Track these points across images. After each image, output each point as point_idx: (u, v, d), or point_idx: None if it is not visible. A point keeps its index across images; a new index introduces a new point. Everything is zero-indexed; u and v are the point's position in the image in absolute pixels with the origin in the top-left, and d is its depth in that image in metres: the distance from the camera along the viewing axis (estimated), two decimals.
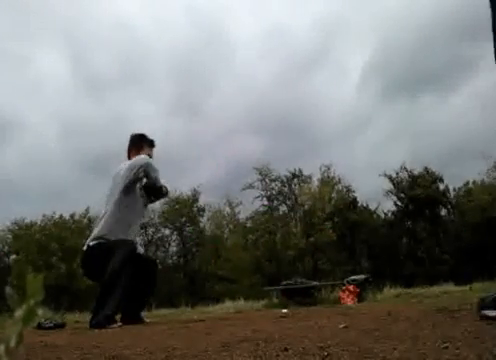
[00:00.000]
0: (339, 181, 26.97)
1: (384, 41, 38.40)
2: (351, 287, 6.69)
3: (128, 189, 3.23)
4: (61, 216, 25.50)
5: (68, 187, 34.31)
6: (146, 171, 3.23)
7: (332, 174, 26.89)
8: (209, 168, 35.20)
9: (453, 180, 27.30)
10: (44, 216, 25.31)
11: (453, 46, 36.11)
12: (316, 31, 40.65)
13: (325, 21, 41.13)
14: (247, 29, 42.87)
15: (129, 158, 3.44)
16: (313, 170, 27.15)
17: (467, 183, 27.27)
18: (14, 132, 37.57)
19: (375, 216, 27.72)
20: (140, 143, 3.48)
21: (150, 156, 3.43)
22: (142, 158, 3.28)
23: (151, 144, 3.52)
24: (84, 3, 44.18)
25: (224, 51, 39.60)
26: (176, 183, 24.55)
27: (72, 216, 25.72)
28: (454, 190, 27.53)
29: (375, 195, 28.43)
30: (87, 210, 26.29)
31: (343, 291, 6.69)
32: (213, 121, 36.44)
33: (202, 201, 29.17)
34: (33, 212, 25.79)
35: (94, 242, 3.16)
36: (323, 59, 41.03)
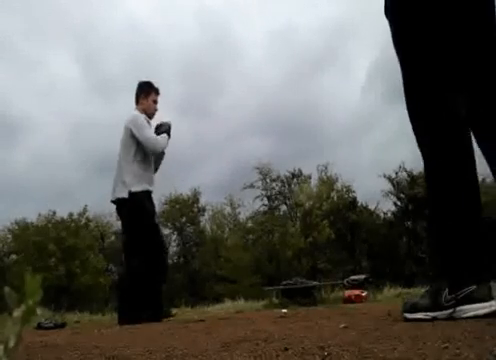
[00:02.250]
0: (337, 180, 26.98)
1: (390, 43, 38.38)
2: (358, 291, 6.69)
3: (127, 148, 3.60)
4: (54, 213, 25.35)
5: (76, 188, 34.51)
6: (132, 132, 3.56)
7: (329, 174, 26.90)
8: (214, 168, 35.34)
9: None
10: (40, 215, 25.18)
11: None
12: (323, 32, 40.83)
13: (332, 22, 41.30)
14: (255, 30, 43.17)
15: (137, 103, 3.79)
16: (313, 170, 27.20)
17: None
18: (24, 133, 37.87)
19: (375, 216, 27.71)
20: (148, 89, 3.81)
21: (155, 102, 3.81)
22: (127, 120, 3.64)
23: (157, 91, 3.86)
24: (96, 6, 44.48)
25: (232, 52, 39.79)
26: (180, 183, 24.56)
27: (70, 215, 25.61)
28: None
29: (377, 195, 28.43)
30: (85, 209, 26.23)
31: (349, 294, 6.65)
32: (220, 122, 36.64)
33: (204, 201, 29.18)
34: (39, 212, 25.78)
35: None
36: (330, 60, 41.24)
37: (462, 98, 1.51)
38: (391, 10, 1.60)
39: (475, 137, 1.53)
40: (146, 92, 3.79)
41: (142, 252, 3.45)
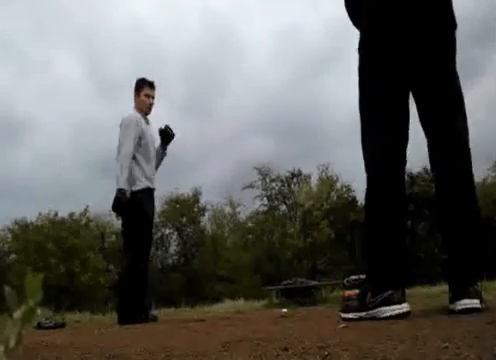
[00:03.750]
0: (337, 180, 26.96)
1: None
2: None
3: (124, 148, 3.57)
4: (56, 214, 25.32)
5: (79, 188, 34.60)
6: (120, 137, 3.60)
7: (330, 173, 26.89)
8: (216, 168, 35.39)
9: None
10: (40, 215, 25.15)
11: (460, 49, 36.29)
12: (327, 33, 40.81)
13: (336, 23, 41.25)
14: (258, 31, 43.22)
15: (135, 101, 3.77)
16: (314, 170, 27.22)
17: None
18: (27, 133, 37.95)
19: None
20: (140, 84, 3.76)
21: (148, 95, 3.74)
22: (120, 123, 3.64)
23: (150, 85, 3.79)
24: (99, 7, 44.57)
25: (236, 52, 39.86)
26: (181, 182, 24.59)
27: (71, 215, 25.58)
28: None
29: None
30: (86, 209, 26.23)
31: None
32: (222, 122, 36.65)
33: (204, 201, 29.19)
34: (39, 212, 25.73)
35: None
36: (333, 61, 41.23)
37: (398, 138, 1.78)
38: (361, 48, 1.84)
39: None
40: (138, 88, 3.75)
41: (134, 251, 3.46)
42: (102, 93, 41.45)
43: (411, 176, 27.18)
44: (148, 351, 1.25)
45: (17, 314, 0.27)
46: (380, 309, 1.61)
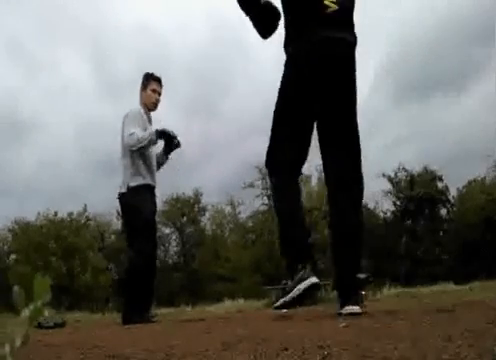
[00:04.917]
0: None
1: (397, 43, 38.61)
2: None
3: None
4: (56, 213, 25.29)
5: (84, 189, 34.66)
6: (122, 129, 3.53)
7: None
8: (218, 168, 35.44)
9: (460, 180, 27.27)
10: (39, 214, 25.13)
11: (464, 48, 36.46)
12: None
13: None
14: None
15: (140, 96, 3.72)
16: (313, 170, 27.21)
17: (470, 182, 27.22)
18: (32, 133, 37.97)
19: (374, 215, 27.70)
20: (146, 79, 3.71)
21: (155, 91, 3.68)
22: (124, 115, 3.58)
23: (158, 80, 3.74)
24: (106, 8, 44.66)
25: (241, 53, 39.92)
26: (183, 182, 24.59)
27: (70, 215, 25.55)
28: (458, 190, 27.54)
29: (377, 195, 28.43)
30: (85, 208, 26.22)
31: None
32: (225, 122, 36.70)
33: (205, 200, 29.21)
34: (38, 211, 25.69)
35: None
36: None
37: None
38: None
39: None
40: (145, 83, 3.69)
41: (136, 245, 3.44)
42: (107, 94, 41.58)
43: (411, 176, 27.19)
44: (148, 350, 1.25)
45: (24, 313, 0.27)
46: (296, 288, 1.90)
